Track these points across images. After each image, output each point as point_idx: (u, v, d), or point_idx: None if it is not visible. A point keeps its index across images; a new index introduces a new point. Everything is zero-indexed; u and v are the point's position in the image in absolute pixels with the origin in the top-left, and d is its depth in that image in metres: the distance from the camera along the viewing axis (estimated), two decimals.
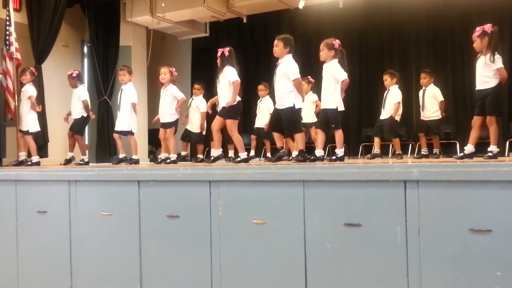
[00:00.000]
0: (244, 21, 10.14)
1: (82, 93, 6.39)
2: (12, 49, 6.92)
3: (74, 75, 6.51)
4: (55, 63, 8.64)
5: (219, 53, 5.10)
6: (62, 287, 4.29)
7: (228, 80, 5.01)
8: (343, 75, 4.66)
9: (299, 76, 4.69)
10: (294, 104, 4.62)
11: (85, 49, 10.16)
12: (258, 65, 10.98)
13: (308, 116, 7.17)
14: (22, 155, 6.41)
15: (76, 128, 6.43)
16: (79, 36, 9.93)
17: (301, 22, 10.24)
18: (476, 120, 4.50)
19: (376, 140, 6.94)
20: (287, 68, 4.66)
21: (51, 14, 8.07)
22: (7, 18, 7.06)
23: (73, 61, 9.59)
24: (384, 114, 6.93)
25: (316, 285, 3.17)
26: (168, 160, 5.71)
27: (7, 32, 6.99)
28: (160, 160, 6.08)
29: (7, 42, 6.96)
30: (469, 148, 4.50)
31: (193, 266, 3.63)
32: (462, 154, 4.55)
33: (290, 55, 4.72)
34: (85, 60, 10.19)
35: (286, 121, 4.67)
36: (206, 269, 3.56)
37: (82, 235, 4.23)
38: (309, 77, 7.48)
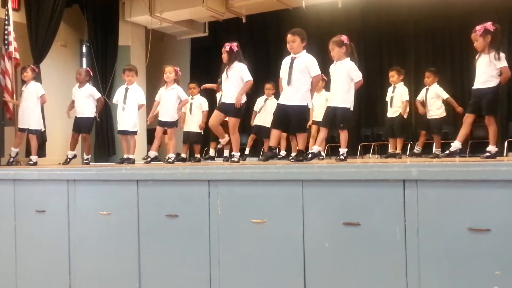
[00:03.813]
0: (243, 21, 10.15)
1: (95, 91, 6.23)
2: (11, 48, 6.94)
3: (92, 74, 6.45)
4: (53, 62, 8.64)
5: (227, 48, 4.86)
6: (60, 287, 4.30)
7: (240, 78, 4.83)
8: (359, 76, 4.62)
9: (320, 72, 4.59)
10: (307, 104, 4.51)
11: (84, 49, 10.16)
12: (257, 65, 10.91)
13: (322, 114, 7.13)
14: (14, 152, 6.20)
15: (88, 128, 6.22)
16: (78, 36, 9.93)
17: (300, 22, 10.16)
18: (468, 118, 4.43)
19: (392, 141, 6.93)
20: (308, 63, 4.49)
21: (50, 13, 8.07)
22: (6, 17, 7.06)
23: (72, 61, 9.59)
24: (392, 112, 6.90)
25: (315, 285, 3.17)
26: (170, 160, 5.69)
27: (6, 32, 7.01)
28: (149, 159, 5.74)
29: (6, 42, 6.97)
30: (456, 144, 4.45)
31: (192, 266, 3.63)
32: (447, 152, 4.52)
33: (305, 50, 4.58)
34: (84, 59, 10.20)
35: (297, 119, 4.51)
36: (205, 268, 3.55)
37: (81, 235, 4.22)
38: (323, 74, 7.46)
